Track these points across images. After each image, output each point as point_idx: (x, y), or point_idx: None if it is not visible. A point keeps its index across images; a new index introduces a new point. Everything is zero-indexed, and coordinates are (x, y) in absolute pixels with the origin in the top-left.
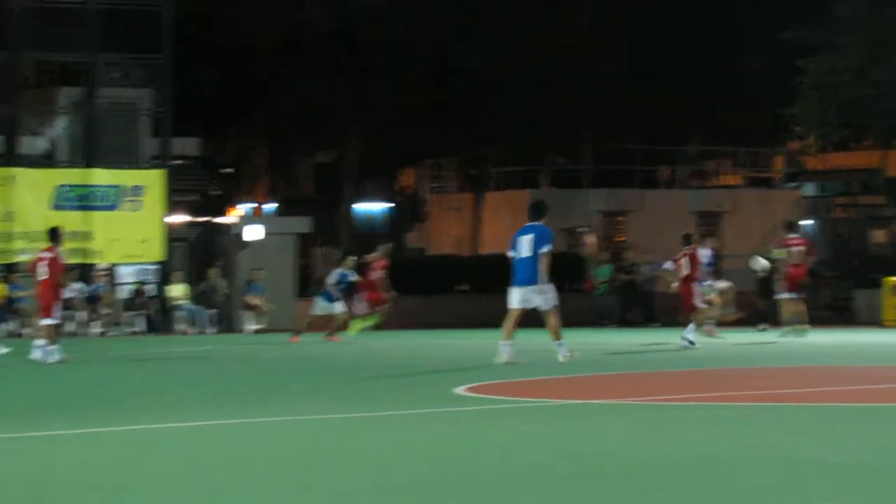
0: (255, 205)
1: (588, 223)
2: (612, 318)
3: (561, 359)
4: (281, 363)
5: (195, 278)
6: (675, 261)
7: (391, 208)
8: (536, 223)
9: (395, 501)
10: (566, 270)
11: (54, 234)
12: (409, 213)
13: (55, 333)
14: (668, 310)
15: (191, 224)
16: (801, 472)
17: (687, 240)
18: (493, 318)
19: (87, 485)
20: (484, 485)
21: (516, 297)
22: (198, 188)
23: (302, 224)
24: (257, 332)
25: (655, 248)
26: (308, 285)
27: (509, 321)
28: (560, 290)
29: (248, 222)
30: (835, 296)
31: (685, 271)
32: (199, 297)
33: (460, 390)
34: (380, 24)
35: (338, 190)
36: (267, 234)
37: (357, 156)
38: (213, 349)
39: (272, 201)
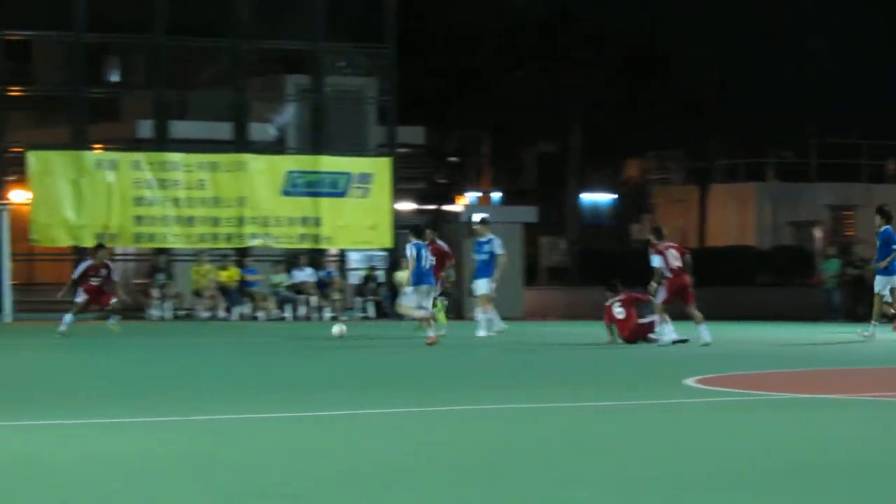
0: (481, 194)
1: (816, 217)
2: (841, 312)
3: None
4: (497, 351)
5: None
6: None
7: (616, 200)
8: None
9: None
10: (795, 265)
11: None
12: (633, 204)
13: None
14: None
15: (418, 212)
16: None
17: None
18: (719, 311)
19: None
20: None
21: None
22: (423, 176)
23: (527, 213)
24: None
25: None
26: (535, 274)
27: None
28: (788, 284)
29: (475, 211)
30: None
31: None
32: None
33: (690, 381)
34: (600, 16)
35: (561, 180)
36: (492, 223)
37: (580, 146)
38: (447, 335)
39: (496, 190)
